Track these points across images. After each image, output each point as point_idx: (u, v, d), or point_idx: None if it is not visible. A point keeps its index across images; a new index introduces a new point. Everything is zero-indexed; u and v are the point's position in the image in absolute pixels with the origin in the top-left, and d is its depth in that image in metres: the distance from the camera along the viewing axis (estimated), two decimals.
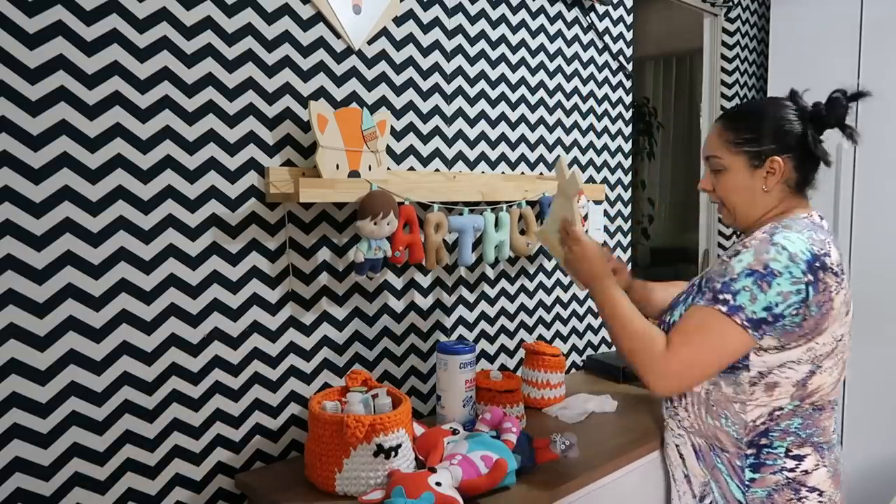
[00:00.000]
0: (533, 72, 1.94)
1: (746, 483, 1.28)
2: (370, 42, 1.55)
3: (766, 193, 1.30)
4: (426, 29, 1.66)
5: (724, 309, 1.18)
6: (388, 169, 1.53)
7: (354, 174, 1.42)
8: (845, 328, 1.24)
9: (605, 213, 2.23)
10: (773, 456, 1.26)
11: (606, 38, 2.17)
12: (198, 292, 1.31)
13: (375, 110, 1.56)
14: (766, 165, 1.28)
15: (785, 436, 1.25)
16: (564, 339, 2.13)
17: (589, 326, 2.21)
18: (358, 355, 1.59)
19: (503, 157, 1.87)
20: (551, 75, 2.00)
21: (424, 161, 1.68)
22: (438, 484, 1.14)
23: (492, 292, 1.88)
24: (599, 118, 2.18)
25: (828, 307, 1.18)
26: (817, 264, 1.17)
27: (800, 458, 1.25)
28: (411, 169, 1.65)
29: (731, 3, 2.87)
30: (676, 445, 1.42)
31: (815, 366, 1.21)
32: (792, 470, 1.25)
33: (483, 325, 1.87)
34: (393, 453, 1.21)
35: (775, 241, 1.19)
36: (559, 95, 2.03)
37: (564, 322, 2.12)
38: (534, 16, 1.93)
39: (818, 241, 1.20)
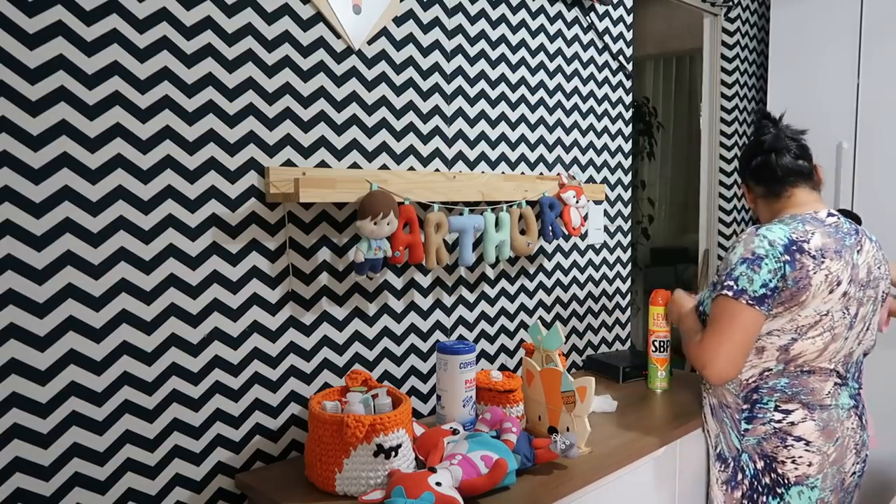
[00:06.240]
0: (533, 72, 1.94)
1: (742, 432, 1.52)
2: (370, 42, 1.55)
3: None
4: (426, 29, 1.66)
5: (730, 294, 1.40)
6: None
7: (552, 430, 1.45)
8: (830, 305, 1.41)
9: (605, 213, 2.23)
10: (763, 410, 1.49)
11: (606, 37, 2.17)
12: (198, 292, 1.32)
13: (375, 110, 1.56)
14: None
15: (772, 392, 1.48)
16: (565, 339, 2.12)
17: (589, 326, 2.21)
18: (358, 355, 1.59)
19: (503, 157, 1.87)
20: (551, 75, 2.00)
21: (424, 161, 1.68)
22: (438, 484, 1.14)
23: (492, 292, 1.88)
24: (599, 118, 2.18)
25: (804, 283, 1.38)
26: (794, 248, 1.39)
27: (787, 412, 1.48)
28: (411, 169, 1.65)
29: (731, 3, 2.87)
30: (702, 406, 1.67)
31: (798, 334, 1.42)
32: (779, 422, 1.48)
33: (483, 325, 1.87)
34: (393, 453, 1.22)
35: (759, 233, 1.43)
36: (559, 95, 2.03)
37: (565, 322, 2.12)
38: (534, 16, 1.93)
39: (800, 230, 1.42)
